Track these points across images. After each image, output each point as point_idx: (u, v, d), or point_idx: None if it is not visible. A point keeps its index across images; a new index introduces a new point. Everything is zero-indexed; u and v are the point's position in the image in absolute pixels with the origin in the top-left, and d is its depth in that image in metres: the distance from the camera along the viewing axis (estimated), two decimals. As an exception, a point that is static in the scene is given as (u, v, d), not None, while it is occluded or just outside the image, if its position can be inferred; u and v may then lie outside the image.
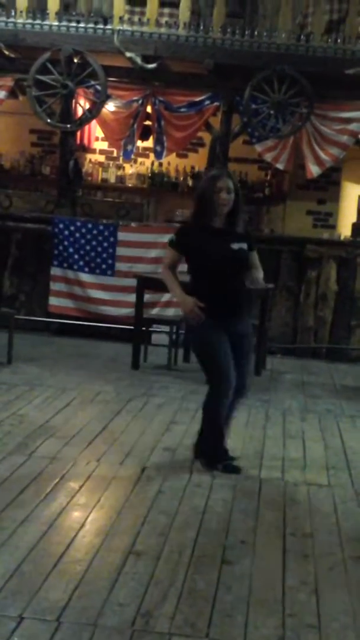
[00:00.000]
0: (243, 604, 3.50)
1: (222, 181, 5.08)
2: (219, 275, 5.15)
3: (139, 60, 9.54)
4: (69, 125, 9.98)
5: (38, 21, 9.65)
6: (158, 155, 10.35)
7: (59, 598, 3.41)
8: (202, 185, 5.27)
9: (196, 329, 5.17)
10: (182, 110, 10.06)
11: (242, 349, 5.25)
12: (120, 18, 9.65)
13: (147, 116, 10.19)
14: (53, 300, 9.75)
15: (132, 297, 8.60)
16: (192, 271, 5.28)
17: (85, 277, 9.65)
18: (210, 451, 5.34)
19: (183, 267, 5.35)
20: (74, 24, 9.65)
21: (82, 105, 10.07)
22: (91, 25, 9.64)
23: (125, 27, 9.60)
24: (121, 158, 11.73)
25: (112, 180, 12.55)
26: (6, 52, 9.80)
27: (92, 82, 9.72)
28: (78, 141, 11.26)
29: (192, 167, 12.36)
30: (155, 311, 9.30)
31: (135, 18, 9.68)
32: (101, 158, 12.72)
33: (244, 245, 5.19)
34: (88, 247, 9.61)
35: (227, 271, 5.16)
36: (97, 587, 3.54)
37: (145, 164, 12.57)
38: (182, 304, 5.19)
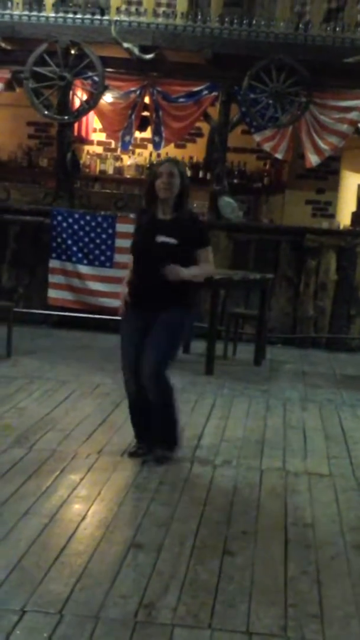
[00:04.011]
0: (245, 595, 3.49)
1: (163, 166, 5.07)
2: (141, 267, 5.16)
3: (136, 50, 9.50)
4: (66, 117, 9.95)
5: (34, 13, 9.62)
6: (156, 146, 10.31)
7: (61, 591, 3.40)
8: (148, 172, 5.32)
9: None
10: (180, 100, 10.02)
11: (152, 334, 5.08)
12: (117, 8, 9.61)
13: (145, 107, 10.15)
14: (52, 293, 9.72)
15: (131, 289, 8.56)
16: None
17: (83, 269, 9.62)
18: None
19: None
20: (70, 15, 9.61)
21: (79, 96, 10.04)
22: (88, 16, 9.60)
23: (123, 17, 9.56)
24: (119, 149, 11.69)
25: (110, 171, 12.52)
26: (2, 44, 9.76)
27: (90, 74, 9.68)
28: (75, 133, 11.23)
29: (191, 158, 12.32)
30: (154, 302, 9.27)
31: (133, 8, 9.64)
32: (99, 149, 12.69)
33: (173, 240, 5.02)
34: (86, 239, 9.58)
35: (147, 263, 5.10)
36: (99, 579, 3.53)
37: (144, 155, 12.53)
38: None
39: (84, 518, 4.21)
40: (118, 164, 12.56)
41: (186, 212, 5.15)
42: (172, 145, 11.18)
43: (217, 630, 3.19)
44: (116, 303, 9.30)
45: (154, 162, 5.35)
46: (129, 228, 9.51)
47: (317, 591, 3.58)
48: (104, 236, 9.54)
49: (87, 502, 4.44)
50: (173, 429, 5.24)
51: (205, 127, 11.17)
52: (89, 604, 3.32)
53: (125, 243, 9.47)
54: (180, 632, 3.16)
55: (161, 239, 5.04)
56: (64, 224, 9.59)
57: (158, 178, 5.02)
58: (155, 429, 5.24)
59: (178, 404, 5.29)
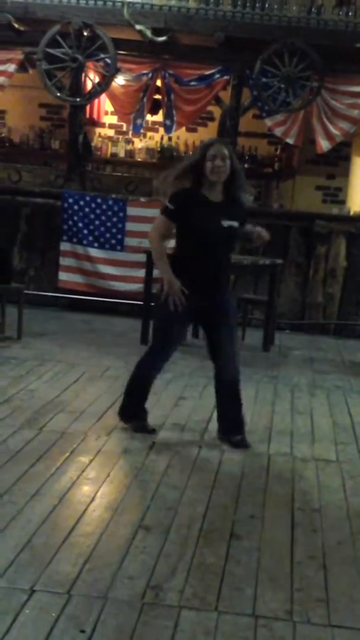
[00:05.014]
0: (252, 578, 3.53)
1: (214, 148, 4.97)
2: (205, 252, 5.07)
3: (148, 33, 9.48)
4: (78, 99, 9.94)
5: (48, -7, 9.59)
6: (167, 130, 10.29)
7: (70, 571, 3.44)
8: (195, 153, 5.23)
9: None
10: (192, 83, 9.99)
11: (221, 329, 5.18)
12: (130, -10, 9.58)
13: (157, 90, 10.12)
14: (62, 275, 9.76)
15: (141, 273, 8.60)
16: (179, 242, 5.23)
17: (94, 252, 9.65)
18: (131, 406, 5.44)
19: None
20: (83, -4, 9.58)
21: (91, 78, 10.01)
22: (101, -3, 9.58)
23: (135, -1, 9.53)
24: (130, 132, 11.68)
25: (122, 154, 12.51)
26: (16, 25, 9.72)
27: (102, 56, 9.66)
28: (87, 115, 11.23)
29: (202, 142, 12.27)
30: (164, 286, 9.28)
31: (146, -10, 9.60)
32: (110, 132, 12.68)
33: (235, 223, 5.05)
34: (97, 222, 9.60)
35: (214, 248, 5.08)
36: (107, 560, 3.57)
37: (155, 138, 12.52)
38: (168, 285, 5.05)
39: (92, 499, 4.25)
40: (129, 147, 12.55)
41: (243, 192, 5.13)
42: (183, 128, 11.15)
43: (223, 613, 3.23)
44: (126, 286, 9.50)
45: (203, 142, 5.27)
46: (140, 211, 9.57)
47: (323, 576, 3.61)
48: (114, 219, 9.56)
49: (96, 483, 4.48)
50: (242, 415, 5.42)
51: (216, 111, 11.14)
52: (96, 584, 3.36)
53: (136, 227, 9.53)
54: (187, 614, 3.19)
55: (227, 223, 5.02)
56: (75, 207, 9.61)
57: (208, 160, 4.94)
58: (232, 419, 5.34)
59: None
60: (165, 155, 12.37)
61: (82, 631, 3.01)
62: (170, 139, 12.20)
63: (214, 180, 4.99)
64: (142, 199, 9.86)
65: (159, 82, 10.04)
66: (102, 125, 12.61)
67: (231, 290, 5.40)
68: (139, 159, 12.49)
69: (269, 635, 3.10)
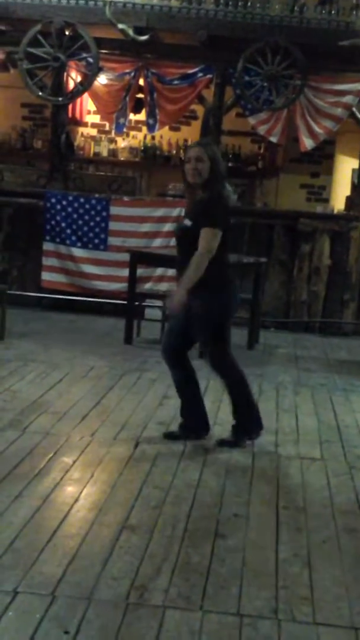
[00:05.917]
0: (236, 577, 3.51)
1: (191, 150, 5.00)
2: (178, 252, 5.24)
3: (131, 32, 9.45)
4: (60, 99, 9.90)
5: (29, -7, 9.54)
6: (150, 129, 10.28)
7: (54, 572, 3.42)
8: None
9: None
10: (175, 82, 9.98)
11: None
12: (112, -11, 9.55)
13: (140, 89, 10.10)
14: (46, 275, 9.71)
15: (125, 272, 8.57)
16: None
17: (77, 251, 9.62)
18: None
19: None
20: (65, -5, 9.55)
21: (73, 78, 9.98)
22: (83, -4, 9.54)
23: (117, -2, 9.50)
24: (113, 131, 11.64)
25: (105, 153, 12.48)
26: (-3, 25, 9.69)
27: (84, 55, 9.63)
28: (70, 114, 11.18)
29: (185, 140, 12.28)
30: (148, 286, 9.28)
31: (127, -11, 9.57)
32: (93, 131, 12.64)
33: (189, 222, 4.98)
34: (80, 222, 9.57)
35: (178, 249, 5.20)
36: (91, 561, 3.55)
37: (138, 137, 12.50)
38: None
39: (76, 500, 4.23)
40: (112, 146, 12.52)
41: (212, 193, 4.95)
42: (166, 127, 11.14)
43: (208, 612, 3.21)
44: (110, 286, 9.47)
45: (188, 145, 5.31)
46: (123, 211, 9.56)
47: (308, 574, 3.60)
48: (97, 219, 9.52)
49: (79, 484, 4.45)
50: (243, 416, 5.35)
51: (199, 110, 11.13)
52: (81, 585, 3.33)
53: (119, 226, 9.52)
54: (172, 613, 3.18)
55: (184, 221, 5.09)
56: (58, 207, 9.57)
57: (186, 162, 4.99)
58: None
59: (249, 390, 5.42)
60: (149, 154, 12.36)
61: (66, 632, 2.98)
62: (153, 137, 12.18)
63: (190, 181, 5.00)
64: (126, 198, 9.83)
65: (141, 81, 10.03)
66: (85, 124, 12.57)
67: (210, 292, 5.02)
68: (122, 158, 12.46)
69: (254, 633, 3.09)
